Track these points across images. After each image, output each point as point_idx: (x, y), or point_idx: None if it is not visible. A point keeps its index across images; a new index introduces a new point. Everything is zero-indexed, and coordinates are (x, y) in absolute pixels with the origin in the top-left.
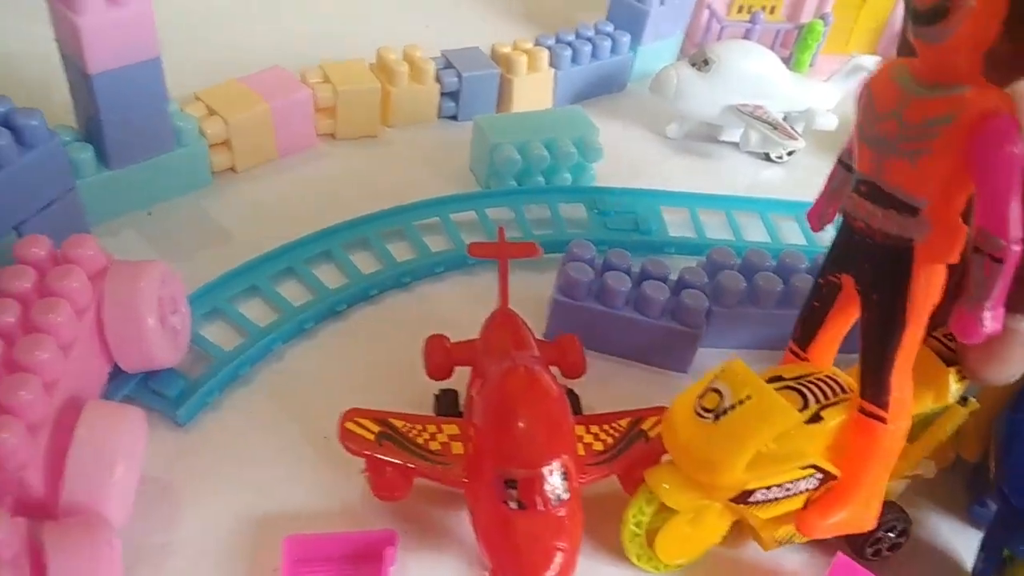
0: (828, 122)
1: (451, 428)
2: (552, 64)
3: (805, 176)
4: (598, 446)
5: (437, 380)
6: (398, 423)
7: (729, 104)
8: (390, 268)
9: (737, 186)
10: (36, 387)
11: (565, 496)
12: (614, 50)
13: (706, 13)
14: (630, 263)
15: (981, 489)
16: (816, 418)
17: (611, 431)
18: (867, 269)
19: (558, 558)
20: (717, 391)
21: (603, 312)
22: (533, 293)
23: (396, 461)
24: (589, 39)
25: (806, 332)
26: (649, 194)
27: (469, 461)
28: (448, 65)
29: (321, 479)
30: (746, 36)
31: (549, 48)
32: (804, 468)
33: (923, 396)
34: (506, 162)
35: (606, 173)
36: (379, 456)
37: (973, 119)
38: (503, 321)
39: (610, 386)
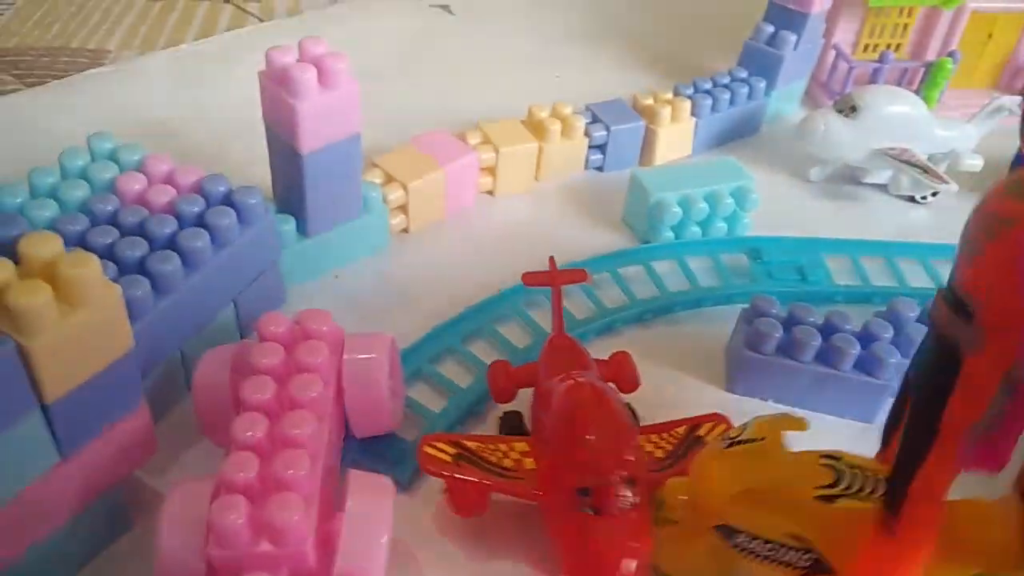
0: (974, 163)
1: (521, 446)
2: (693, 113)
3: (952, 217)
4: (659, 453)
5: (501, 403)
6: (472, 444)
7: (875, 148)
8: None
9: (885, 229)
10: (306, 462)
11: (635, 500)
12: (751, 96)
13: (832, 53)
14: (815, 315)
15: None
16: (830, 499)
17: (670, 439)
18: None
19: (631, 558)
20: (744, 427)
21: (792, 365)
22: (704, 344)
23: (474, 479)
24: (727, 86)
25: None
26: (811, 242)
27: (542, 474)
28: (595, 119)
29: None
30: (873, 75)
31: (689, 97)
32: (792, 537)
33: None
34: (668, 215)
35: (755, 220)
36: (458, 476)
37: None
38: (560, 344)
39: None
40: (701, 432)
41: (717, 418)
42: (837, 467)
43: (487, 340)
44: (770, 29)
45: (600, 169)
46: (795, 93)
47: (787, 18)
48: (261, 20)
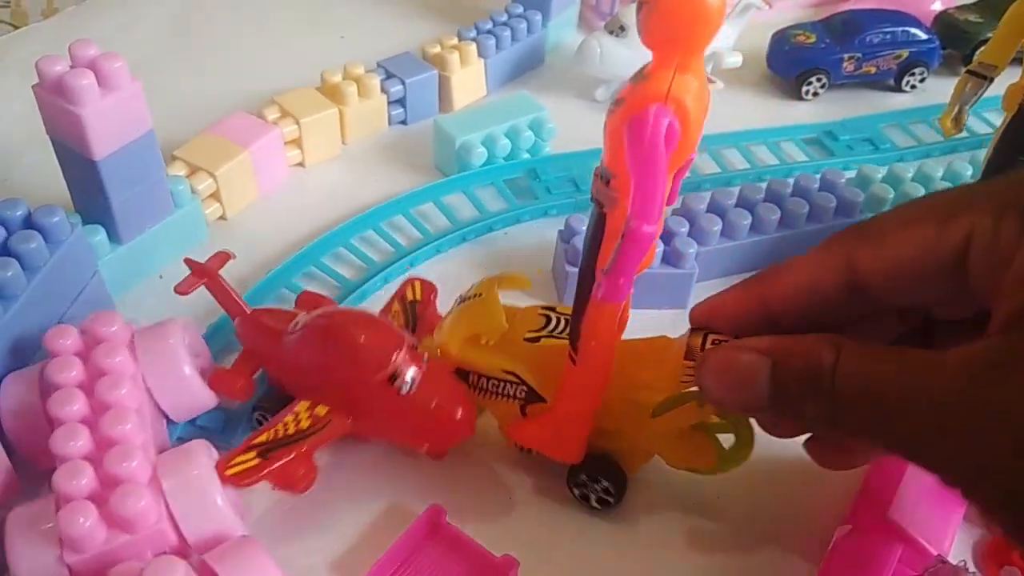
0: (734, 60)
1: (301, 405)
2: (480, 54)
3: (724, 113)
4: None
5: (247, 400)
6: (263, 437)
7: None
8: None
9: None
10: (136, 453)
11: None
12: (530, 30)
13: None
14: None
15: None
16: (535, 340)
17: (396, 314)
18: None
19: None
20: (472, 286)
21: None
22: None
23: (291, 455)
24: (506, 24)
25: None
26: (580, 156)
27: (340, 406)
28: (389, 75)
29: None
30: None
31: (474, 39)
32: (507, 373)
33: (661, 376)
34: (474, 155)
35: (554, 145)
36: (275, 466)
37: None
38: (255, 317)
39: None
40: (411, 296)
41: (412, 280)
42: (549, 315)
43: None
44: None
45: (404, 123)
46: (570, 20)
47: None
48: (15, 27)
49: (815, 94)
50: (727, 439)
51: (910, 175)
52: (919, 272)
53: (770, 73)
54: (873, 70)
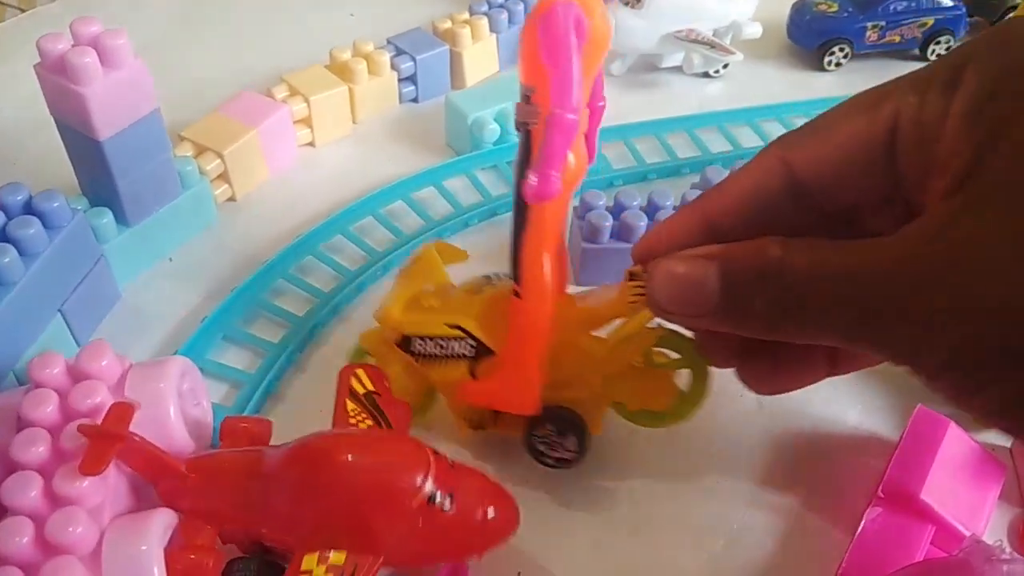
0: (753, 31)
1: (310, 560)
2: (493, 29)
3: (744, 84)
4: None
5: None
6: None
7: (665, 34)
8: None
9: (689, 106)
10: (79, 518)
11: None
12: None
13: None
14: (639, 198)
15: None
16: (477, 291)
17: None
18: None
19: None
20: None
21: (627, 248)
22: None
23: None
24: None
25: None
26: (602, 131)
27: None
28: (399, 51)
29: None
30: None
31: (485, 14)
32: (452, 328)
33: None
34: (487, 132)
35: None
36: None
37: None
38: (207, 472)
39: None
40: (362, 388)
41: (350, 369)
42: (489, 276)
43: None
44: None
45: (415, 100)
46: None
47: None
48: (22, 10)
49: (838, 64)
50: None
51: None
52: (852, 164)
53: (791, 44)
54: (897, 39)
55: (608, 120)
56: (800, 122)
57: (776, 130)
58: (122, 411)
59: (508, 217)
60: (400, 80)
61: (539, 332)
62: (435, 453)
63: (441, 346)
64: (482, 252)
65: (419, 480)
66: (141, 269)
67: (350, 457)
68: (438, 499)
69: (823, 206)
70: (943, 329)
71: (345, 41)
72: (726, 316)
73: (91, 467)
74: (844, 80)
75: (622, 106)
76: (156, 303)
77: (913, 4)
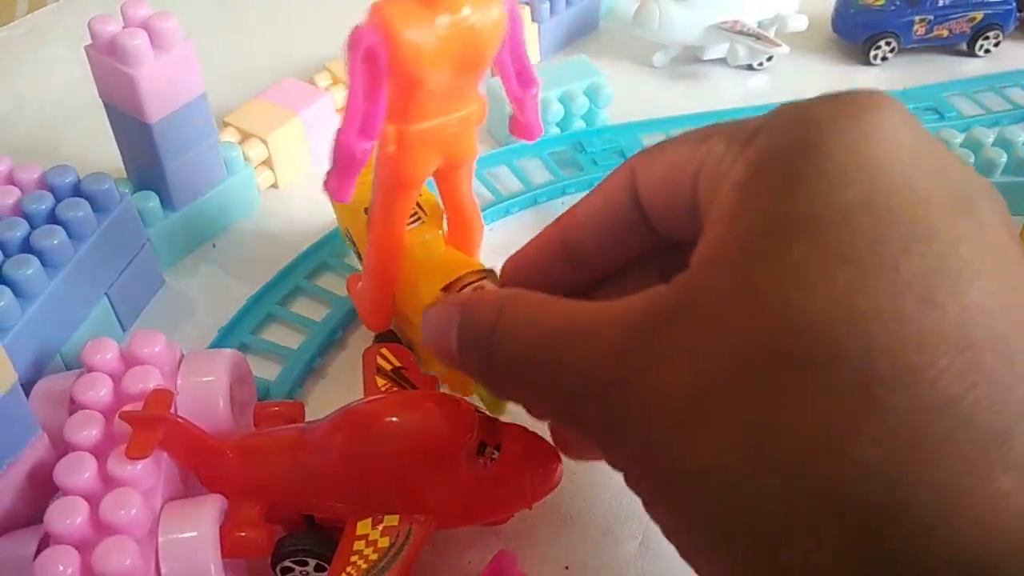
0: (799, 23)
1: (365, 524)
2: (534, 19)
3: (788, 76)
4: None
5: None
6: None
7: (709, 25)
8: None
9: (733, 99)
10: (133, 500)
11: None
12: None
13: None
14: None
15: None
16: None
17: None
18: None
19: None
20: None
21: None
22: None
23: None
24: None
25: None
26: (630, 127)
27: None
28: None
29: None
30: None
31: (527, 3)
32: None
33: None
34: None
35: (611, 114)
36: None
37: None
38: (251, 449)
39: None
40: (389, 365)
41: (377, 348)
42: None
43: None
44: None
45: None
46: None
47: None
48: None
49: (884, 59)
50: None
51: (990, 139)
52: (670, 193)
53: (836, 37)
54: (945, 33)
55: (648, 111)
56: None
57: None
58: (161, 397)
59: (550, 204)
60: None
61: (374, 264)
62: (476, 409)
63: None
64: (522, 238)
65: (466, 433)
66: (185, 254)
67: (394, 417)
68: (486, 451)
69: (659, 228)
70: (634, 430)
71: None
72: (465, 371)
73: (137, 451)
74: (890, 75)
75: (663, 98)
76: (200, 288)
77: None
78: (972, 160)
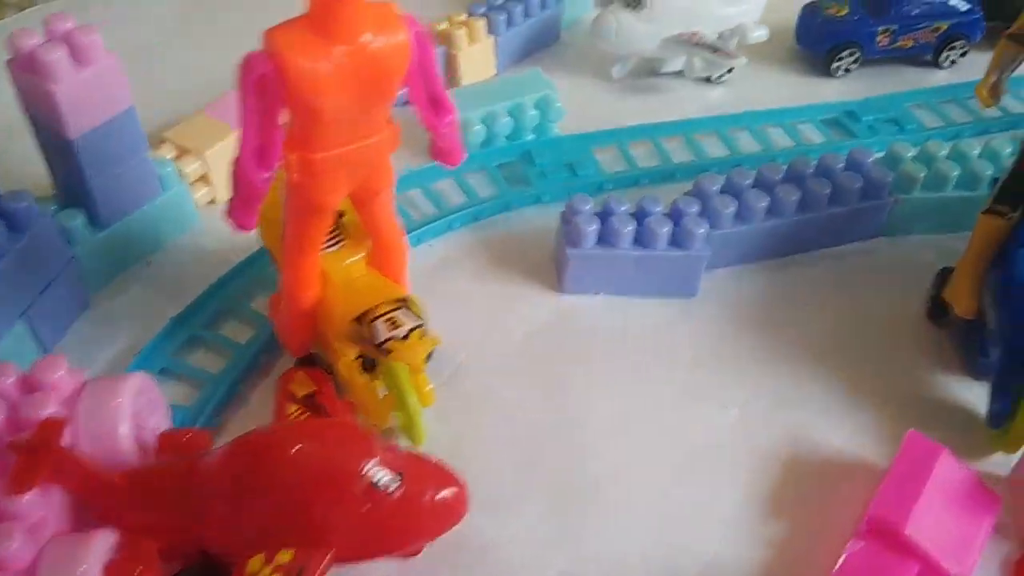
0: (760, 34)
1: (256, 562)
2: (490, 31)
3: (748, 90)
4: None
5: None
6: None
7: (667, 37)
8: None
9: (690, 111)
10: (14, 535)
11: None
12: (544, 5)
13: None
14: (627, 204)
15: (982, 342)
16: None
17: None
18: None
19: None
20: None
21: (613, 254)
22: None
23: None
24: None
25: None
26: (580, 138)
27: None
28: None
29: None
30: None
31: (484, 15)
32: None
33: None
34: (471, 133)
35: (565, 127)
36: None
37: None
38: (145, 483)
39: (630, 323)
40: (302, 391)
41: (291, 373)
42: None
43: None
44: None
45: (407, 103)
46: None
47: None
48: (21, 8)
49: (847, 70)
50: None
51: (944, 152)
52: None
53: (800, 48)
54: (910, 44)
55: (604, 124)
56: (803, 128)
57: (778, 136)
58: (52, 425)
59: (493, 220)
60: None
61: (289, 289)
62: (379, 438)
63: None
64: (463, 255)
65: (362, 464)
66: (116, 273)
67: (288, 446)
68: (383, 482)
69: None
70: None
71: None
72: None
73: (19, 484)
74: (852, 86)
75: (620, 111)
76: (129, 307)
77: (926, 8)
78: (924, 174)
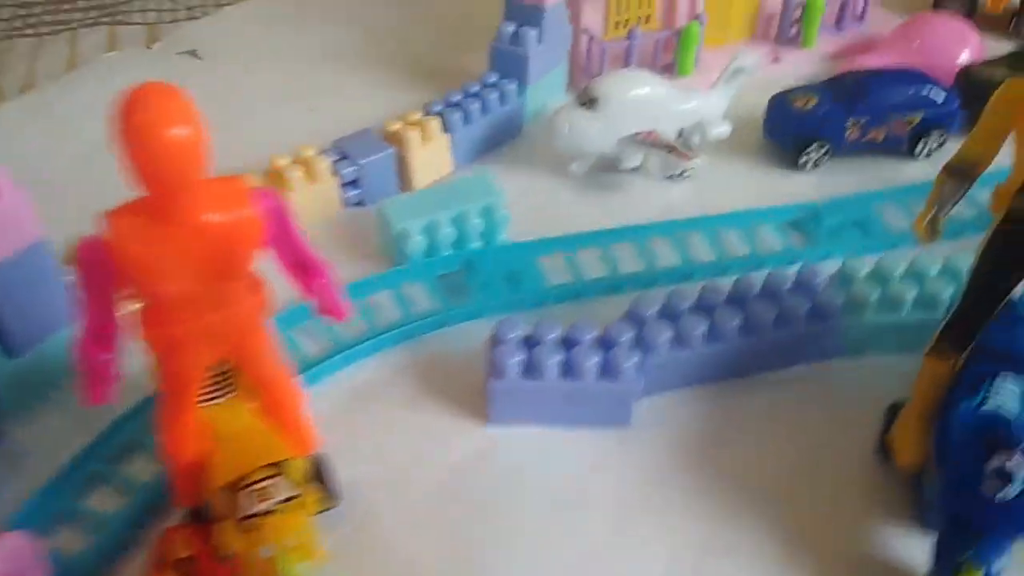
0: (721, 131)
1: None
2: (446, 129)
3: (712, 187)
4: None
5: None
6: None
7: (623, 136)
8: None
9: (651, 212)
10: None
11: None
12: (503, 100)
13: (585, 38)
14: (556, 330)
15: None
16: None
17: None
18: None
19: None
20: None
21: (539, 387)
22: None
23: None
24: (477, 95)
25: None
26: (525, 247)
27: None
28: (342, 155)
29: None
30: (626, 54)
31: (439, 114)
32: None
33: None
34: (410, 244)
35: (519, 229)
36: None
37: None
38: None
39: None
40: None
41: (170, 533)
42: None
43: None
44: (511, 28)
45: (361, 203)
46: (557, 84)
47: (525, 14)
48: None
49: (816, 164)
50: None
51: (899, 272)
52: None
53: (769, 141)
54: (881, 136)
55: (562, 223)
56: (763, 231)
57: (735, 241)
58: None
59: (430, 337)
60: (344, 184)
61: (168, 443)
62: None
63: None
64: (393, 377)
65: None
66: (34, 400)
67: None
68: None
69: None
70: None
71: (302, 136)
72: None
73: None
74: (821, 181)
75: (578, 209)
76: (40, 438)
77: (898, 99)
78: (877, 294)
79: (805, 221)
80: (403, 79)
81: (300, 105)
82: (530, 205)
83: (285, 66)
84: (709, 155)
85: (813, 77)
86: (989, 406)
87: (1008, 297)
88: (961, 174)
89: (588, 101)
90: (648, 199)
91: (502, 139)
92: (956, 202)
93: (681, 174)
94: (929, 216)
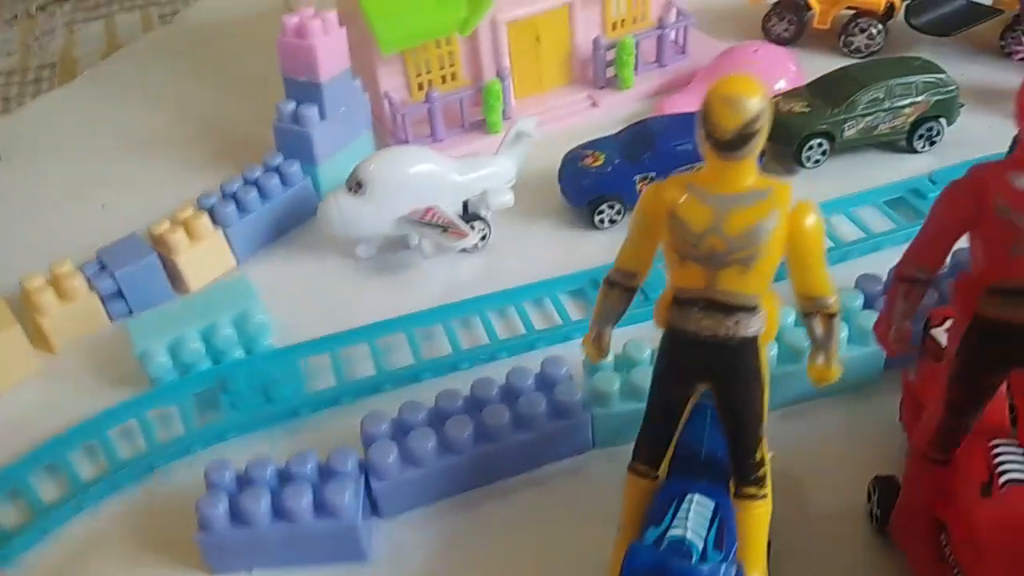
0: (504, 200)
1: None
2: (218, 223)
3: (506, 256)
4: None
5: None
6: None
7: (399, 215)
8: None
9: (440, 291)
10: None
11: None
12: (285, 183)
13: (387, 103)
14: (268, 467)
15: None
16: None
17: None
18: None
19: None
20: None
21: (251, 535)
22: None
23: None
24: (255, 182)
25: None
26: (287, 352)
27: None
28: (102, 267)
29: None
30: (430, 115)
31: (210, 209)
32: None
33: None
34: (154, 366)
35: (298, 323)
36: None
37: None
38: None
39: None
40: None
41: None
42: None
43: None
44: (292, 107)
45: (132, 312)
46: (360, 153)
47: (303, 91)
48: None
49: (612, 221)
50: None
51: (645, 355)
52: None
53: (564, 201)
54: None
55: (348, 313)
56: (546, 305)
57: (509, 320)
58: None
59: (176, 466)
60: (106, 297)
61: None
62: None
63: None
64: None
65: None
66: None
67: None
68: None
69: None
70: None
71: (89, 238)
72: None
73: None
74: (615, 240)
75: (365, 296)
76: None
77: (687, 147)
78: (618, 384)
79: (589, 288)
80: (208, 159)
81: (93, 203)
82: (312, 297)
83: (84, 158)
84: (506, 222)
85: (630, 119)
86: (675, 533)
87: None
88: (621, 286)
89: (355, 185)
90: (440, 274)
91: (292, 223)
92: (619, 317)
93: (464, 249)
94: (593, 334)
